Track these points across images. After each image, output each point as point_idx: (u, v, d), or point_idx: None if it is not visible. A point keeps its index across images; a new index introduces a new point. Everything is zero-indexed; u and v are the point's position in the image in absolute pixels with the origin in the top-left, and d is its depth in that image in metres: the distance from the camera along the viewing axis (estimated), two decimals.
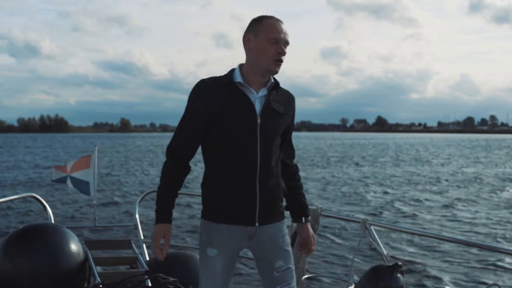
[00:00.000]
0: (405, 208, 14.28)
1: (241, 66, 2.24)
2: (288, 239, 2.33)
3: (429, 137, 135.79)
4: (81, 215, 12.91)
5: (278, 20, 2.18)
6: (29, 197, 4.27)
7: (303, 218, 2.43)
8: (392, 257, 3.16)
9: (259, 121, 2.16)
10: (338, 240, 9.59)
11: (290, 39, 2.18)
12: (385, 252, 3.06)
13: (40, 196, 4.37)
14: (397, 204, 15.00)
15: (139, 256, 3.59)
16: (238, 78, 2.18)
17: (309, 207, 3.47)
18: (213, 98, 2.14)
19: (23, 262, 3.11)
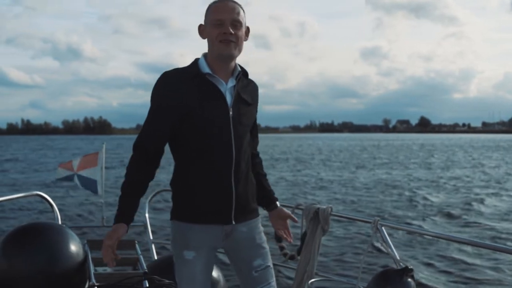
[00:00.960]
0: (423, 211, 13.94)
1: (205, 55, 2.12)
2: (264, 237, 2.25)
3: (474, 137, 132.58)
4: (90, 214, 12.91)
5: (225, 1, 2.05)
6: (35, 195, 4.18)
7: (277, 203, 2.38)
8: (404, 260, 2.98)
9: (231, 113, 2.06)
10: (348, 241, 9.37)
11: (241, 17, 2.05)
12: (396, 255, 2.90)
13: (51, 195, 4.32)
14: (414, 207, 14.69)
15: (141, 257, 3.53)
16: (206, 69, 2.06)
17: (320, 206, 3.38)
18: (182, 91, 2.02)
19: (19, 261, 3.03)
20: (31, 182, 23.15)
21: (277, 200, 2.38)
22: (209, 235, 2.09)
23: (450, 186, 20.57)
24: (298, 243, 3.42)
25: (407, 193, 18.00)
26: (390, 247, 2.95)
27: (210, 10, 2.06)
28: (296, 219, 2.40)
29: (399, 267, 2.71)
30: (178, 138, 2.08)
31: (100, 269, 3.61)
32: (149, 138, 2.08)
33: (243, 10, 2.09)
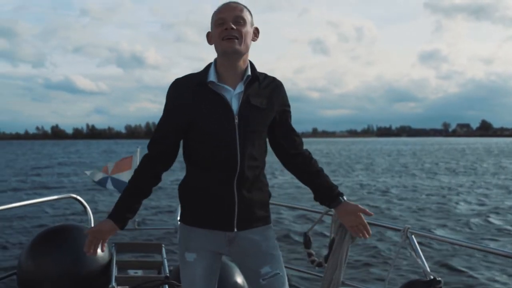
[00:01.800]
0: (459, 219, 13.50)
1: (215, 61, 2.11)
2: (275, 243, 2.16)
3: None
4: None
5: (227, 2, 2.05)
6: (69, 197, 4.23)
7: (341, 198, 2.20)
8: (435, 271, 2.91)
9: (236, 121, 2.02)
10: (377, 250, 9.21)
11: (244, 14, 2.02)
12: (426, 265, 2.82)
13: (86, 198, 4.38)
14: (450, 215, 14.27)
15: (165, 261, 3.52)
16: (211, 76, 2.05)
17: None
18: (186, 100, 2.04)
19: (45, 262, 3.12)
20: (74, 184, 23.85)
21: (341, 195, 2.20)
22: (210, 240, 2.08)
23: (493, 193, 19.89)
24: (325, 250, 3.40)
25: (444, 200, 17.54)
26: (419, 256, 2.86)
27: (212, 15, 2.07)
28: (369, 211, 2.18)
29: (428, 279, 2.66)
30: (185, 146, 2.12)
31: (132, 272, 3.67)
32: (155, 143, 2.12)
33: (249, 11, 2.07)
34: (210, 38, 2.10)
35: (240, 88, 2.05)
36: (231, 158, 2.01)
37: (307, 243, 3.45)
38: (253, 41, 2.09)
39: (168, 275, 3.24)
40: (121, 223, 2.07)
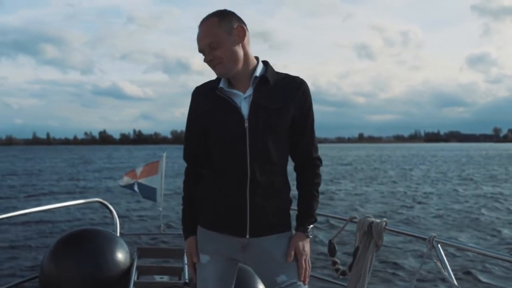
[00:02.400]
0: (491, 229, 13.14)
1: None
2: (292, 253, 2.08)
3: None
4: (149, 222, 13.36)
5: (199, 26, 2.01)
6: (95, 202, 4.30)
7: (299, 227, 2.12)
8: (461, 282, 2.85)
9: (247, 124, 1.99)
10: (402, 259, 9.05)
11: (214, 35, 1.94)
12: (452, 276, 2.75)
13: (113, 202, 4.42)
14: (482, 225, 13.90)
15: (185, 266, 3.51)
16: (222, 82, 2.06)
17: (374, 220, 3.25)
18: (201, 106, 2.10)
19: (66, 266, 3.16)
20: (109, 189, 24.41)
21: (297, 225, 2.12)
22: (223, 245, 2.08)
23: None
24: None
25: (480, 209, 17.06)
26: (446, 267, 2.79)
27: None
28: (289, 256, 2.07)
29: None
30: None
31: (157, 277, 3.68)
32: (186, 151, 2.20)
33: (221, 17, 1.97)
34: None
35: (249, 91, 2.04)
36: (241, 162, 1.99)
37: (331, 251, 3.40)
38: (242, 41, 2.00)
39: (187, 281, 3.24)
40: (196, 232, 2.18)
